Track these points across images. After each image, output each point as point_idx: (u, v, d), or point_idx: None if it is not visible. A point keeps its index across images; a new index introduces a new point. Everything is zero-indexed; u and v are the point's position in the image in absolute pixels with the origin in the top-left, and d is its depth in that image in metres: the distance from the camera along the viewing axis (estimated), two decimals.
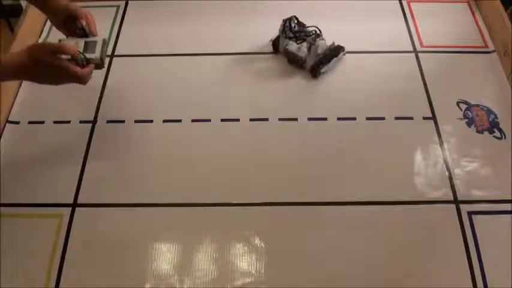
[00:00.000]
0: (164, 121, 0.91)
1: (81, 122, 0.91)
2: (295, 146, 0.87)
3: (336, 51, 0.97)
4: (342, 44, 0.98)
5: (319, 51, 0.95)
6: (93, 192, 0.82)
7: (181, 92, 0.96)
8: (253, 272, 0.73)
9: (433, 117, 0.90)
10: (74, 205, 0.81)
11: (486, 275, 0.72)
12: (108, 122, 0.92)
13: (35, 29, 1.07)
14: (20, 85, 0.98)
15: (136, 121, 0.91)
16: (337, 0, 1.11)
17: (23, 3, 1.21)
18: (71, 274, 0.74)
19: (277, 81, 0.97)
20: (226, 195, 0.81)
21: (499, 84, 0.96)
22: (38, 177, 0.84)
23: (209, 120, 0.91)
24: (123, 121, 0.92)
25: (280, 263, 0.74)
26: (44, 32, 1.08)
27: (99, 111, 0.93)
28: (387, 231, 0.77)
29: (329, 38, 0.98)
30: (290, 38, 0.98)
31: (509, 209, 0.79)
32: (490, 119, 0.90)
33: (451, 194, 0.81)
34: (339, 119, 0.91)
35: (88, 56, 0.78)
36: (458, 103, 0.92)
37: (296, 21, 0.98)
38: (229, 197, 0.81)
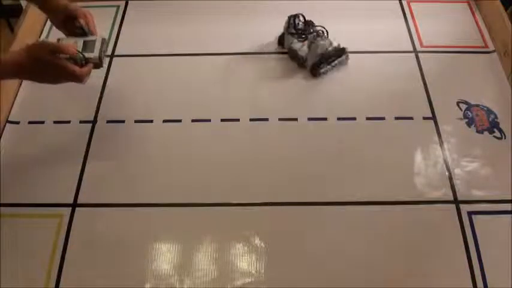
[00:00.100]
0: (164, 121, 0.91)
1: (81, 122, 0.91)
2: (295, 146, 0.87)
3: (338, 53, 0.97)
4: (341, 44, 0.98)
5: (319, 51, 0.95)
6: (93, 192, 0.82)
7: (181, 92, 0.96)
8: (253, 272, 0.73)
9: (433, 117, 0.90)
10: (74, 205, 0.81)
11: (486, 275, 0.72)
12: (108, 122, 0.92)
13: (35, 29, 1.07)
14: (20, 85, 0.98)
15: (136, 121, 0.91)
16: (337, 0, 1.11)
17: (23, 3, 1.21)
18: (71, 274, 0.74)
19: (277, 81, 0.97)
20: (226, 195, 0.81)
21: (499, 84, 0.96)
22: (38, 177, 0.84)
23: (209, 120, 0.91)
24: (123, 121, 0.92)
25: (280, 263, 0.74)
26: (44, 32, 1.08)
27: (99, 111, 0.93)
28: (387, 231, 0.77)
29: (329, 38, 0.98)
30: (293, 35, 0.98)
31: (509, 209, 0.79)
32: (490, 119, 0.90)
33: (451, 194, 0.81)
34: (339, 119, 0.91)
35: (87, 55, 0.78)
36: (458, 103, 0.92)
37: (303, 20, 0.98)
38: (229, 197, 0.81)
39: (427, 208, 0.79)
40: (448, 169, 0.83)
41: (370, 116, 0.91)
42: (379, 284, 0.72)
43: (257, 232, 0.77)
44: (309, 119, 0.91)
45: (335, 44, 0.97)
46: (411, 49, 1.02)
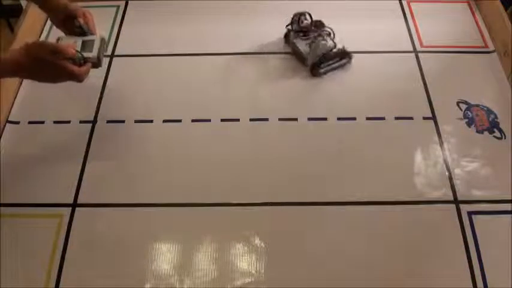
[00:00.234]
0: (164, 121, 0.91)
1: (81, 122, 0.91)
2: (295, 146, 0.87)
3: (341, 55, 0.97)
4: (344, 46, 0.98)
5: (320, 51, 0.95)
6: (93, 192, 0.82)
7: (181, 92, 0.96)
8: (253, 272, 0.73)
9: (433, 117, 0.90)
10: (74, 205, 0.81)
11: (486, 275, 0.72)
12: (108, 122, 0.92)
13: (35, 29, 1.07)
14: (20, 85, 0.98)
15: (136, 121, 0.91)
16: (338, 0, 1.11)
17: (23, 3, 1.21)
18: (71, 274, 0.74)
19: (277, 81, 0.97)
20: (226, 195, 0.81)
21: (499, 84, 0.96)
22: (38, 177, 0.84)
23: (209, 120, 0.91)
24: (123, 121, 0.92)
25: (280, 263, 0.74)
26: (44, 31, 1.08)
27: (99, 111, 0.93)
28: (387, 231, 0.77)
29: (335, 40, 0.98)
30: (296, 32, 0.98)
31: (509, 209, 0.79)
32: (490, 119, 0.90)
33: (451, 194, 0.81)
34: (339, 119, 0.91)
35: (85, 55, 0.79)
36: (458, 103, 0.92)
37: (309, 18, 0.98)
38: (229, 197, 0.81)
39: (427, 208, 0.79)
40: (448, 169, 0.83)
41: (370, 116, 0.91)
42: (379, 284, 0.72)
43: (257, 232, 0.77)
44: (309, 119, 0.91)
45: (340, 46, 0.97)
46: (411, 49, 1.02)
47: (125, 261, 0.75)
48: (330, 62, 0.96)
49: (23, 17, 1.04)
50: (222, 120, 0.91)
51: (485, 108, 0.92)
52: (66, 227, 0.78)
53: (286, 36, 1.02)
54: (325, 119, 0.91)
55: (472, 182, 0.82)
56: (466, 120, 0.90)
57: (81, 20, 0.82)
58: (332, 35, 0.99)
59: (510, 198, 0.80)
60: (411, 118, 0.90)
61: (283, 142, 0.88)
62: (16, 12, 1.26)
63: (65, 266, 0.74)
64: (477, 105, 0.92)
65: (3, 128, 0.91)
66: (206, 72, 0.99)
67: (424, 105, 0.92)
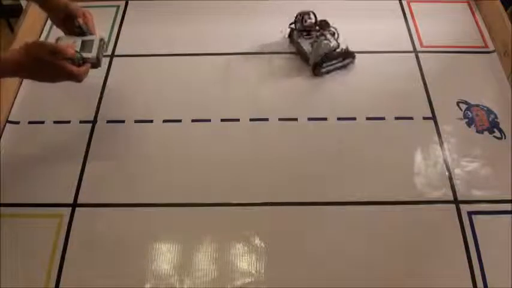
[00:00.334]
0: (164, 121, 0.91)
1: (81, 122, 0.91)
2: (295, 146, 0.87)
3: (344, 55, 0.97)
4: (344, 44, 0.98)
5: (322, 50, 0.95)
6: (93, 192, 0.82)
7: (181, 92, 0.96)
8: (253, 272, 0.73)
9: (433, 117, 0.90)
10: (74, 205, 0.81)
11: (486, 275, 0.72)
12: (108, 122, 0.92)
13: (35, 29, 1.07)
14: (20, 85, 0.98)
15: (136, 121, 0.91)
16: (338, 0, 1.11)
17: (23, 3, 1.21)
18: (71, 274, 0.74)
19: (277, 81, 0.97)
20: (226, 195, 0.81)
21: (499, 84, 0.96)
22: (38, 177, 0.84)
23: (209, 120, 0.91)
24: (123, 121, 0.92)
25: (280, 263, 0.74)
26: (44, 31, 1.08)
27: (99, 111, 0.93)
28: (387, 231, 0.77)
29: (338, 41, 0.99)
30: (299, 31, 0.99)
31: (509, 209, 0.79)
32: (490, 119, 0.90)
33: (451, 194, 0.81)
34: (339, 119, 0.91)
35: (85, 55, 0.79)
36: (458, 103, 0.92)
37: (314, 18, 0.99)
38: (229, 197, 0.81)
39: (427, 208, 0.79)
40: (448, 169, 0.83)
41: (370, 116, 0.91)
42: (379, 284, 0.72)
43: (257, 232, 0.77)
44: (309, 119, 0.91)
45: (343, 46, 0.97)
46: (411, 49, 1.02)
47: (124, 261, 0.75)
48: (333, 61, 0.97)
49: (23, 17, 1.04)
50: (222, 120, 0.91)
51: (485, 108, 0.92)
52: (66, 227, 0.78)
53: (291, 35, 1.02)
54: (325, 119, 0.91)
55: (472, 182, 0.82)
56: (466, 120, 0.90)
57: (81, 20, 0.83)
58: (336, 35, 0.99)
59: (510, 198, 0.80)
60: (411, 118, 0.90)
61: (283, 142, 0.88)
62: (16, 12, 1.26)
63: (65, 266, 0.74)
64: (477, 105, 0.92)
65: (3, 128, 0.91)
66: (206, 72, 0.99)
67: (424, 105, 0.92)
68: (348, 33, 1.00)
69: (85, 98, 0.95)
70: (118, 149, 0.88)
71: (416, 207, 0.79)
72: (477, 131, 0.88)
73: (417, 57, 1.00)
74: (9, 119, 0.93)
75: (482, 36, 1.04)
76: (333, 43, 0.97)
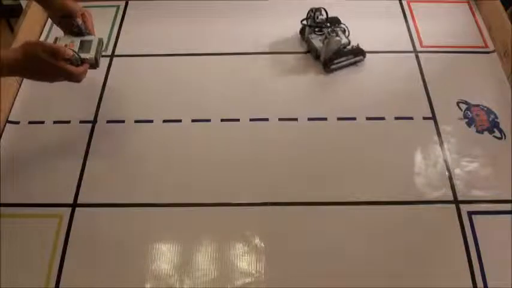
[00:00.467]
0: (164, 121, 0.91)
1: (81, 122, 0.91)
2: (295, 146, 0.87)
3: (354, 52, 0.97)
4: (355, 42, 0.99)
5: (333, 47, 0.95)
6: (93, 192, 0.82)
7: (181, 92, 0.96)
8: (253, 272, 0.73)
9: (433, 117, 0.90)
10: (74, 205, 0.81)
11: (486, 275, 0.72)
12: (108, 122, 0.92)
13: (35, 29, 1.07)
14: (20, 85, 0.98)
15: (136, 121, 0.91)
16: (338, 0, 1.11)
17: (23, 3, 1.21)
18: (71, 274, 0.74)
19: (277, 82, 0.97)
20: (226, 195, 0.81)
21: (499, 84, 0.96)
22: (38, 177, 0.84)
23: (209, 120, 0.91)
24: (123, 121, 0.92)
25: (280, 263, 0.74)
26: (44, 32, 1.08)
27: (99, 111, 0.93)
28: (387, 231, 0.77)
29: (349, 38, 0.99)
30: (310, 27, 0.99)
31: (509, 209, 0.79)
32: (490, 119, 0.90)
33: (451, 194, 0.81)
34: (338, 119, 0.91)
35: (83, 55, 0.79)
36: (458, 103, 0.92)
37: (325, 14, 0.99)
38: (229, 197, 0.81)
39: (427, 208, 0.79)
40: (448, 169, 0.83)
41: (370, 116, 0.91)
42: (379, 284, 0.72)
43: (257, 232, 0.77)
44: (309, 119, 0.91)
45: (354, 43, 0.98)
46: (411, 49, 1.02)
47: (124, 261, 0.75)
48: (343, 58, 0.97)
49: (23, 17, 1.04)
50: (222, 120, 0.91)
51: (485, 108, 0.92)
52: (66, 227, 0.78)
53: (302, 31, 1.03)
54: (325, 119, 0.91)
55: (472, 182, 0.82)
56: (466, 120, 0.90)
57: (80, 20, 0.82)
58: (347, 32, 1.00)
59: (510, 198, 0.80)
60: (411, 118, 0.90)
61: (283, 142, 0.88)
62: (16, 12, 1.26)
63: (65, 266, 0.74)
64: (477, 105, 0.92)
65: (3, 128, 0.91)
66: (206, 72, 0.99)
67: (424, 105, 0.92)
68: (347, 33, 1.00)
69: (85, 98, 0.95)
70: (118, 149, 0.88)
71: (416, 207, 0.79)
72: (477, 131, 0.88)
73: (417, 57, 1.00)
74: (9, 119, 0.93)
75: (482, 36, 1.04)
76: (344, 40, 0.97)
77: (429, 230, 0.77)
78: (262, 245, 0.76)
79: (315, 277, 0.73)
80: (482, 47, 1.02)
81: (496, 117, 0.90)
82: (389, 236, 0.77)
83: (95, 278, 0.73)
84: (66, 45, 0.79)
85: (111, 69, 1.00)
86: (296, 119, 0.91)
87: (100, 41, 0.83)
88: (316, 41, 0.98)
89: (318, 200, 0.80)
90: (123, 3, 1.13)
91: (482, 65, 0.99)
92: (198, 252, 0.75)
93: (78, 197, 0.81)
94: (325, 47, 0.95)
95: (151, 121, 0.91)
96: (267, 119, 0.91)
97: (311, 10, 0.99)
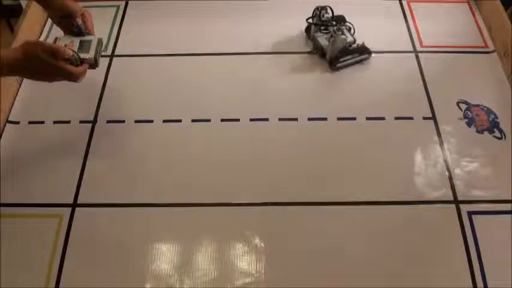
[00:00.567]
0: (164, 121, 0.91)
1: (81, 122, 0.91)
2: (295, 146, 0.87)
3: (360, 51, 0.98)
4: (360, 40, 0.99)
5: (338, 45, 0.95)
6: (93, 192, 0.82)
7: (181, 92, 0.96)
8: (253, 272, 0.73)
9: (433, 117, 0.90)
10: (74, 205, 0.81)
11: (486, 275, 0.72)
12: (108, 122, 0.92)
13: (35, 29, 1.07)
14: (20, 85, 0.98)
15: (136, 121, 0.91)
16: (337, 0, 1.11)
17: (23, 3, 1.21)
18: (71, 274, 0.74)
19: (277, 82, 0.97)
20: (226, 195, 0.81)
21: (499, 84, 0.96)
22: (38, 177, 0.84)
23: (209, 120, 0.91)
24: (123, 121, 0.92)
25: (280, 263, 0.74)
26: (44, 32, 1.08)
27: (99, 111, 0.93)
28: (387, 231, 0.77)
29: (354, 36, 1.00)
30: (316, 25, 0.99)
31: (509, 209, 0.79)
32: (490, 119, 0.90)
33: (451, 194, 0.81)
34: (339, 119, 0.91)
35: (82, 55, 0.79)
36: (458, 103, 0.92)
37: (331, 13, 1.00)
38: (229, 197, 0.81)
39: (427, 208, 0.79)
40: (448, 169, 0.84)
41: (370, 116, 0.91)
42: (379, 284, 0.72)
43: (257, 232, 0.77)
44: (309, 119, 0.91)
45: (359, 42, 0.99)
46: (411, 49, 1.02)
47: (124, 261, 0.75)
48: (349, 56, 0.97)
49: (23, 17, 1.04)
50: (222, 120, 0.91)
51: (485, 108, 0.92)
52: (66, 227, 0.78)
53: (307, 30, 1.03)
54: (325, 119, 0.91)
55: (472, 182, 0.82)
56: (466, 120, 0.90)
57: (79, 20, 0.82)
58: (352, 30, 1.00)
59: (510, 198, 0.80)
60: (411, 118, 0.90)
61: (283, 142, 0.88)
62: (16, 12, 1.26)
63: (65, 266, 0.74)
64: (477, 105, 0.92)
65: (3, 128, 0.91)
66: (206, 72, 0.99)
67: (424, 105, 0.92)
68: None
69: (85, 98, 0.95)
70: (118, 149, 0.88)
71: (416, 207, 0.79)
72: (477, 131, 0.88)
73: (417, 57, 1.00)
74: (9, 119, 0.93)
75: (482, 36, 1.04)
76: (350, 38, 0.98)
77: (429, 230, 0.77)
78: (262, 245, 0.76)
79: (315, 277, 0.73)
80: (482, 47, 1.02)
81: (496, 117, 0.90)
82: (389, 236, 0.77)
83: (95, 278, 0.73)
84: (65, 45, 0.79)
85: (111, 69, 1.00)
86: (296, 119, 0.91)
87: (99, 41, 0.83)
88: (322, 39, 0.99)
89: (318, 200, 0.80)
90: (123, 3, 1.13)
91: (482, 65, 0.99)
92: (198, 252, 0.75)
93: (78, 197, 0.81)
94: (331, 45, 0.96)
95: (151, 121, 0.91)
96: (267, 119, 0.91)
97: (317, 8, 1.00)
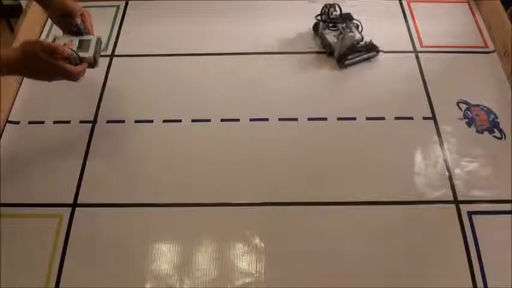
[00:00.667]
0: (164, 121, 0.91)
1: (81, 122, 0.91)
2: (295, 146, 0.87)
3: (368, 48, 0.98)
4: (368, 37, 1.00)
5: (347, 42, 0.96)
6: (93, 192, 0.82)
7: (181, 92, 0.96)
8: (253, 272, 0.73)
9: (433, 117, 0.90)
10: (74, 205, 0.81)
11: (486, 275, 0.72)
12: (108, 122, 0.92)
13: (35, 29, 1.07)
14: (20, 85, 0.98)
15: (136, 121, 0.91)
16: (337, 0, 1.11)
17: (23, 3, 1.21)
18: (71, 274, 0.74)
19: (277, 81, 0.97)
20: (226, 195, 0.81)
21: (499, 84, 0.96)
22: (38, 177, 0.84)
23: (209, 120, 0.91)
24: (123, 121, 0.92)
25: (280, 263, 0.74)
26: (44, 32, 1.08)
27: (99, 111, 0.93)
28: (387, 231, 0.77)
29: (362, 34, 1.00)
30: (325, 22, 1.00)
31: (509, 209, 0.79)
32: (490, 119, 0.90)
33: (451, 194, 0.81)
34: (339, 119, 0.91)
35: (81, 54, 0.79)
36: (458, 103, 0.92)
37: (339, 10, 1.00)
38: (229, 197, 0.81)
39: (427, 208, 0.79)
40: (448, 169, 0.84)
41: (370, 116, 0.91)
42: (379, 284, 0.72)
43: (257, 232, 0.77)
44: (309, 119, 0.91)
45: (367, 39, 0.99)
46: (411, 49, 1.02)
47: (125, 261, 0.75)
48: (357, 54, 0.98)
49: (23, 17, 1.04)
50: (222, 120, 0.91)
51: (485, 108, 0.92)
52: (66, 227, 0.78)
53: (315, 27, 1.03)
54: (325, 119, 0.91)
55: (472, 182, 0.82)
56: (466, 120, 0.90)
57: (79, 20, 0.83)
58: (360, 28, 1.00)
59: (510, 198, 0.80)
60: (411, 118, 0.90)
61: (283, 142, 0.88)
62: (16, 12, 1.26)
63: (65, 266, 0.74)
64: (477, 105, 0.92)
65: (3, 128, 0.91)
66: (206, 72, 0.99)
67: (424, 105, 0.92)
68: None
69: (85, 98, 0.95)
70: (118, 149, 0.88)
71: (416, 207, 0.79)
72: (477, 131, 0.88)
73: (417, 57, 1.00)
74: (9, 119, 0.93)
75: (482, 36, 1.04)
76: (357, 36, 0.98)
77: (429, 230, 0.77)
78: (262, 245, 0.76)
79: (315, 277, 0.73)
80: (482, 47, 1.02)
81: (496, 117, 0.90)
82: (389, 236, 0.77)
83: (95, 278, 0.73)
84: (65, 44, 0.79)
85: (111, 69, 1.00)
86: (296, 119, 0.91)
87: (99, 40, 0.83)
88: (330, 37, 0.99)
89: (318, 200, 0.80)
90: (123, 3, 1.13)
91: (482, 65, 0.99)
92: (198, 252, 0.75)
93: (78, 197, 0.81)
94: (339, 42, 0.96)
95: (151, 121, 0.91)
96: (267, 119, 0.91)
97: (325, 6, 1.00)
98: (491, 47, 1.02)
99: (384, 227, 0.77)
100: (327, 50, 1.00)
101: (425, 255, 0.75)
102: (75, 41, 0.81)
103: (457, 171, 0.83)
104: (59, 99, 0.95)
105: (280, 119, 0.91)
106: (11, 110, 0.94)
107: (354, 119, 0.90)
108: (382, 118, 0.90)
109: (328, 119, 0.91)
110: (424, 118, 0.90)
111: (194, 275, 0.73)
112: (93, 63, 0.81)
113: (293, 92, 0.95)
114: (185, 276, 0.73)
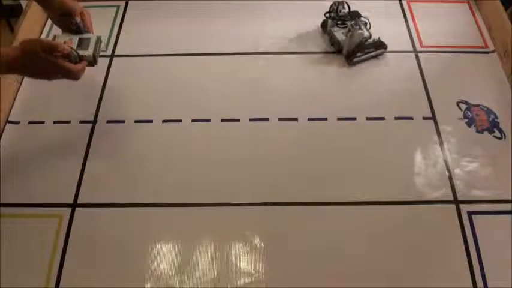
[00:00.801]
0: (164, 121, 0.91)
1: (81, 122, 0.91)
2: (295, 146, 0.87)
3: (376, 45, 0.98)
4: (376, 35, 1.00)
5: (355, 40, 0.96)
6: (93, 192, 0.82)
7: (181, 92, 0.96)
8: (253, 272, 0.73)
9: (433, 117, 0.90)
10: (74, 205, 0.81)
11: (486, 275, 0.72)
12: (108, 122, 0.92)
13: (35, 29, 1.07)
14: (20, 85, 0.98)
15: (136, 121, 0.91)
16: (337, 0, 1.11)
17: (23, 3, 1.21)
18: (71, 274, 0.74)
19: (277, 81, 0.97)
20: (226, 195, 0.81)
21: (499, 84, 0.96)
22: (38, 177, 0.84)
23: (209, 120, 0.91)
24: (123, 121, 0.92)
25: (280, 263, 0.74)
26: (44, 32, 1.08)
27: (99, 111, 0.93)
28: (387, 231, 0.77)
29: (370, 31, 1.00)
30: (333, 20, 1.00)
31: (509, 209, 0.79)
32: (490, 119, 0.90)
33: (451, 194, 0.81)
34: (339, 119, 0.91)
35: (81, 53, 0.79)
36: (458, 103, 0.92)
37: (347, 8, 1.01)
38: (229, 197, 0.81)
39: (427, 208, 0.79)
40: (448, 169, 0.84)
41: (370, 116, 0.91)
42: (379, 284, 0.72)
43: (257, 232, 0.77)
44: (309, 119, 0.91)
45: (375, 37, 0.99)
46: (411, 49, 1.02)
47: (124, 261, 0.75)
48: (365, 51, 0.98)
49: (23, 17, 1.04)
50: (222, 120, 0.91)
51: (485, 108, 0.92)
52: (66, 227, 0.78)
53: (324, 24, 1.03)
54: (325, 119, 0.91)
55: (472, 182, 0.82)
56: (466, 120, 0.90)
57: (78, 19, 0.83)
58: (368, 26, 1.00)
59: (510, 198, 0.80)
60: (411, 118, 0.90)
61: (283, 142, 0.88)
62: (16, 12, 1.26)
63: (65, 266, 0.74)
64: (477, 105, 0.92)
65: (3, 128, 0.91)
66: (206, 72, 0.99)
67: (424, 105, 0.92)
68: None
69: (85, 98, 0.95)
70: (118, 149, 0.88)
71: (416, 207, 0.79)
72: (477, 131, 0.88)
73: (417, 57, 1.00)
74: (9, 119, 0.93)
75: (482, 36, 1.04)
76: (366, 33, 0.98)
77: (429, 230, 0.77)
78: (262, 245, 0.76)
79: (315, 277, 0.73)
80: (482, 47, 1.02)
81: (496, 117, 0.90)
82: (389, 236, 0.77)
83: (95, 278, 0.73)
84: (64, 43, 0.79)
85: (111, 69, 1.00)
86: (296, 119, 0.91)
87: (98, 39, 0.83)
88: (339, 34, 0.99)
89: (318, 200, 0.80)
90: (123, 3, 1.13)
91: (482, 65, 0.99)
92: (198, 252, 0.75)
93: (78, 197, 0.82)
94: (348, 39, 0.96)
95: (151, 121, 0.91)
96: (267, 119, 0.91)
97: (334, 3, 1.00)
98: (491, 47, 1.02)
99: (384, 227, 0.77)
100: (335, 47, 1.00)
101: (425, 255, 0.75)
102: (75, 39, 0.82)
103: (457, 171, 0.83)
104: (59, 99, 0.95)
105: (280, 119, 0.91)
106: (11, 110, 0.94)
107: (354, 119, 0.90)
108: (382, 118, 0.90)
109: (328, 119, 0.90)
110: (424, 118, 0.90)
111: (194, 275, 0.73)
112: (92, 62, 0.81)
113: (293, 92, 0.95)
114: (185, 276, 0.73)
